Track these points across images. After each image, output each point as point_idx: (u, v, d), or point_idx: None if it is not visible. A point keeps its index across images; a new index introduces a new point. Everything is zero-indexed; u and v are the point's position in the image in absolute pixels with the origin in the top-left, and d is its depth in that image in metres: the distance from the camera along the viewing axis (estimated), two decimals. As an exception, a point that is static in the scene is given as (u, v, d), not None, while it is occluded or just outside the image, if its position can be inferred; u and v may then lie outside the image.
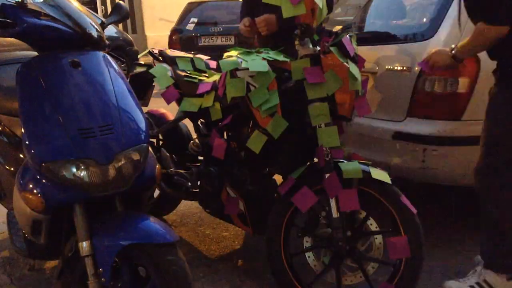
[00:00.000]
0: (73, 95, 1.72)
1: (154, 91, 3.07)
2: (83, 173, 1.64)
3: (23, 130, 1.70)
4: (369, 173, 2.12)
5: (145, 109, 2.40)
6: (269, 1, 2.20)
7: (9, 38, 1.91)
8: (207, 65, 2.85)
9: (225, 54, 2.30)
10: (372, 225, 2.25)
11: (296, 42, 2.17)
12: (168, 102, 2.70)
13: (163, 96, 2.68)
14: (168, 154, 2.84)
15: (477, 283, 2.24)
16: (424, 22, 2.86)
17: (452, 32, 2.60)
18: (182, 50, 3.30)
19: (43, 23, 1.79)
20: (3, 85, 2.26)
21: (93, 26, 1.91)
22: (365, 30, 3.46)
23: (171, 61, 2.78)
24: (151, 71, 2.72)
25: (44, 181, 1.69)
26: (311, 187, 2.15)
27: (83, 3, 2.33)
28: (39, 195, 1.68)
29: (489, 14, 2.02)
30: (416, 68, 2.65)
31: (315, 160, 2.27)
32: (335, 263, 2.21)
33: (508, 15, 2.00)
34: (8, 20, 1.76)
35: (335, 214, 2.12)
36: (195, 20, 8.88)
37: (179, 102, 2.68)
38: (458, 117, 2.58)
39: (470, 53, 2.24)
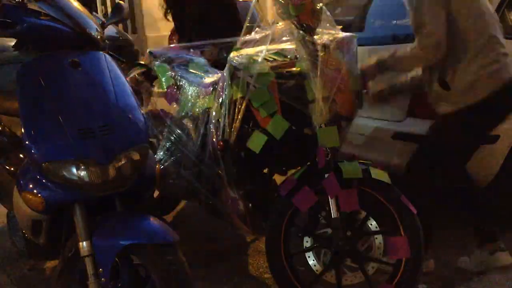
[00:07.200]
0: (73, 95, 1.73)
1: (154, 91, 3.07)
2: (83, 173, 1.64)
3: (23, 130, 1.70)
4: (369, 173, 2.12)
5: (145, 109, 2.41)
6: (270, 1, 2.20)
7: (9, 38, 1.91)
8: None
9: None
10: (372, 225, 2.25)
11: (297, 42, 2.17)
12: (169, 102, 2.69)
13: (163, 96, 2.67)
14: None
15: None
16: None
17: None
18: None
19: (43, 23, 1.80)
20: (3, 85, 2.26)
21: (93, 26, 1.92)
22: (366, 30, 3.46)
23: (169, 61, 2.78)
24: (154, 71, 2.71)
25: (44, 181, 1.69)
26: (311, 187, 2.15)
27: (83, 3, 2.32)
28: (39, 195, 1.68)
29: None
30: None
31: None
32: (335, 263, 2.21)
33: None
34: (8, 20, 1.76)
35: (335, 214, 2.12)
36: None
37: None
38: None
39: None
